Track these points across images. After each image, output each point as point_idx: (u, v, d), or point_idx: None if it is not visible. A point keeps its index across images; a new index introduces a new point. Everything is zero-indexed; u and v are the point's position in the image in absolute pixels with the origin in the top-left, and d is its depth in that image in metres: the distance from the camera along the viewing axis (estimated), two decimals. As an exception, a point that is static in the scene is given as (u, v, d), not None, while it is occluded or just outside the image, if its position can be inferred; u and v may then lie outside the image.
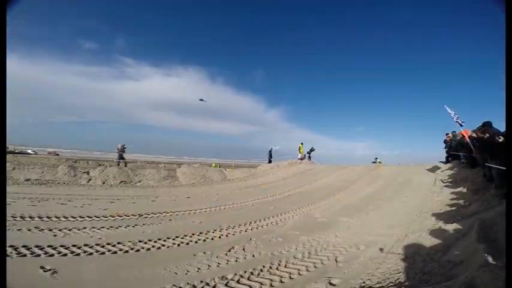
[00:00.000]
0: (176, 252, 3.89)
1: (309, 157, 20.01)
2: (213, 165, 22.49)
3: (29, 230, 4.33)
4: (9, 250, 3.34)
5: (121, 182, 11.39)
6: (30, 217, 5.06)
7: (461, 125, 9.26)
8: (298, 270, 3.32)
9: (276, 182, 13.11)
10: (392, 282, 2.88)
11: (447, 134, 12.15)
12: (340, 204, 7.72)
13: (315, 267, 3.45)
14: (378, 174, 12.00)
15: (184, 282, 2.90)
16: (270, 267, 3.38)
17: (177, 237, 4.49)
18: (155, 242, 4.20)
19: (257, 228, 5.36)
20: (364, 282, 3.00)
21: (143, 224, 5.19)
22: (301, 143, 19.82)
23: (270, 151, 20.40)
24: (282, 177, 14.30)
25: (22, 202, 6.37)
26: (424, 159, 18.46)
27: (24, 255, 3.30)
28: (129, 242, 4.06)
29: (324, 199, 8.44)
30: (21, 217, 5.00)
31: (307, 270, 3.33)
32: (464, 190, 7.07)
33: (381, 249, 3.99)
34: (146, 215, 5.90)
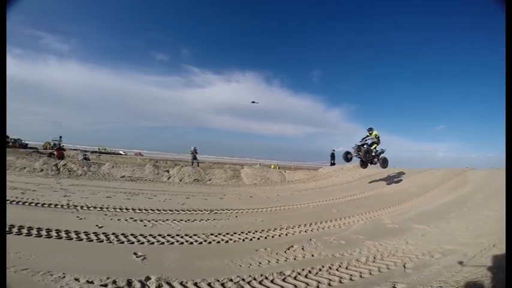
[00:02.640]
0: (241, 247, 4.21)
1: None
2: (273, 166, 22.91)
3: (126, 220, 5.25)
4: (111, 237, 4.10)
5: (194, 180, 12.79)
6: (126, 209, 6.17)
7: None
8: (360, 273, 3.22)
9: (339, 185, 12.59)
10: (468, 293, 2.55)
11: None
12: (414, 211, 6.97)
13: (379, 271, 3.29)
14: (465, 179, 10.25)
15: (247, 274, 3.12)
16: (330, 268, 3.36)
17: (242, 232, 4.85)
18: (224, 236, 4.62)
19: (318, 229, 5.34)
20: (433, 290, 2.74)
21: (214, 219, 5.78)
22: (369, 144, 18.42)
23: (333, 153, 19.58)
24: (346, 180, 13.62)
25: (119, 196, 7.81)
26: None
27: (122, 242, 3.98)
28: (203, 234, 4.58)
29: (395, 205, 7.74)
30: (120, 209, 6.13)
31: (370, 274, 3.21)
32: None
33: (460, 263, 3.50)
34: (216, 211, 6.55)
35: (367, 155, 10.82)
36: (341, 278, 3.10)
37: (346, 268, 3.39)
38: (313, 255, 3.85)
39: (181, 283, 2.78)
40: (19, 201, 5.97)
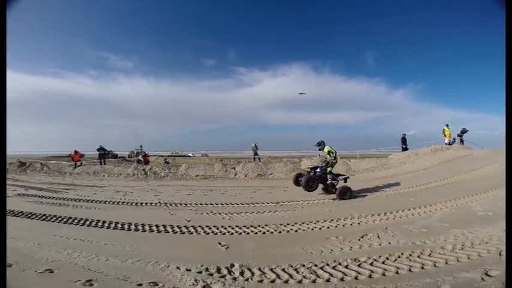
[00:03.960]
0: (310, 235, 4.35)
1: (461, 141, 15.86)
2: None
3: (207, 213, 5.94)
4: (198, 229, 4.69)
5: (257, 175, 13.38)
6: (205, 204, 6.94)
7: None
8: (446, 260, 3.00)
9: (415, 172, 11.41)
10: None
11: None
12: (514, 196, 5.90)
13: (468, 258, 3.01)
14: None
15: (319, 260, 3.23)
16: (410, 255, 3.21)
17: (310, 222, 4.98)
18: (292, 225, 4.83)
19: (394, 218, 5.08)
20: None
21: (281, 210, 6.06)
22: (447, 125, 15.99)
23: (404, 137, 17.64)
24: (423, 166, 12.22)
25: (198, 193, 8.78)
26: None
27: (208, 233, 4.55)
28: (273, 224, 4.87)
29: (488, 191, 6.64)
30: (200, 204, 6.94)
31: (458, 261, 2.96)
32: None
33: None
34: (282, 203, 6.82)
35: (309, 183, 7.48)
36: (423, 264, 2.95)
37: (429, 255, 3.19)
38: (390, 243, 3.73)
39: (259, 269, 3.06)
40: (123, 202, 7.35)
